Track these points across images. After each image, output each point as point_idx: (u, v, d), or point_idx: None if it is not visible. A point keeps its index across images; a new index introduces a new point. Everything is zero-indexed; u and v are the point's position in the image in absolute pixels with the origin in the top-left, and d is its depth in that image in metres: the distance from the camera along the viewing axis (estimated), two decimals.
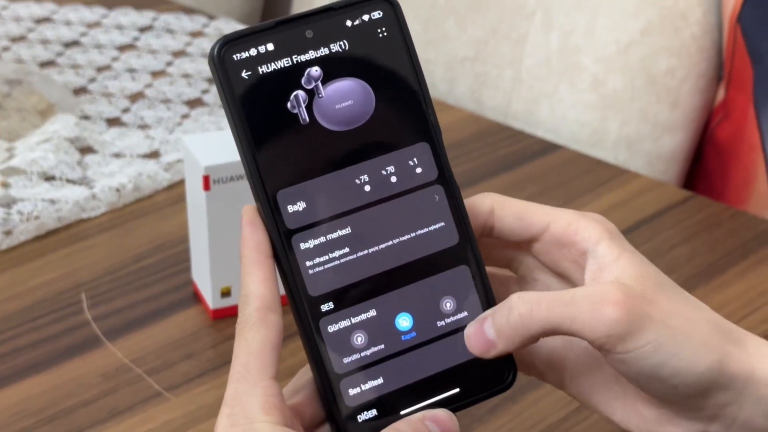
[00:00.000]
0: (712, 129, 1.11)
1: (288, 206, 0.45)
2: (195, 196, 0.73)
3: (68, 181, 0.89)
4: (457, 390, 0.47)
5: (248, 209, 0.46)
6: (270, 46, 0.45)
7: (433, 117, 0.48)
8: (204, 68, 1.11)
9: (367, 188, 0.46)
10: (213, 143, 0.73)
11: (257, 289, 0.45)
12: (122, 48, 1.15)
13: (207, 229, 0.72)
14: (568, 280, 0.49)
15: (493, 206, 0.49)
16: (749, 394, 0.45)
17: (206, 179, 0.71)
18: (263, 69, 0.45)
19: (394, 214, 0.47)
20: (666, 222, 0.87)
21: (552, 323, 0.45)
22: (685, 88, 1.08)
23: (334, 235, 0.46)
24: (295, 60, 0.46)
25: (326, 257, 0.46)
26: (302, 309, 0.46)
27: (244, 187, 0.72)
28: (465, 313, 0.47)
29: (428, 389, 0.47)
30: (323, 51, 0.46)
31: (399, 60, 0.47)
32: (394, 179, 0.47)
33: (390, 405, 0.46)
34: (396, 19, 0.47)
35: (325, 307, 0.46)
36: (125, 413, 0.66)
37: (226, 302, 0.74)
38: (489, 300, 0.48)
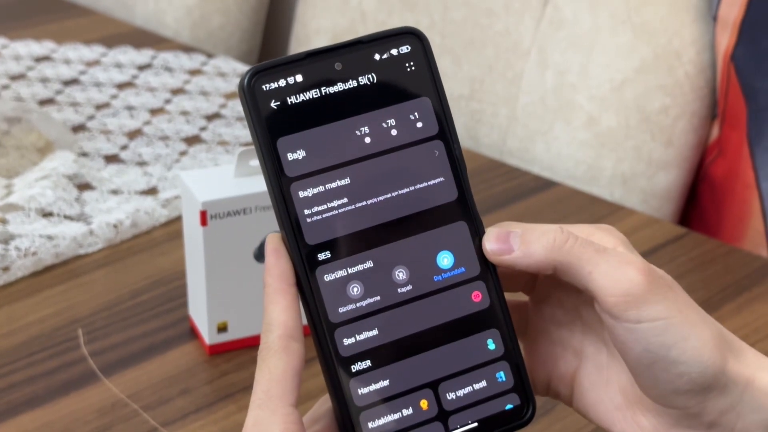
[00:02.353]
0: (706, 166, 1.11)
1: (288, 153, 0.46)
2: (192, 231, 0.74)
3: (66, 217, 0.89)
4: (475, 425, 0.47)
5: (273, 237, 0.46)
6: (299, 77, 0.46)
7: (458, 152, 0.48)
8: (202, 106, 1.12)
9: (368, 140, 0.47)
10: (210, 179, 0.74)
11: (280, 316, 0.45)
12: (121, 86, 1.16)
13: (204, 264, 0.72)
14: (582, 294, 0.49)
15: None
16: (747, 401, 0.46)
17: (203, 214, 0.71)
18: (292, 100, 0.46)
19: (394, 167, 0.47)
20: (661, 258, 0.87)
21: (578, 261, 0.45)
22: (679, 126, 1.09)
23: (333, 185, 0.46)
24: (323, 92, 0.46)
25: (324, 206, 0.46)
26: (321, 331, 0.46)
27: (242, 222, 0.72)
28: (462, 269, 0.47)
29: (446, 424, 0.47)
30: (351, 84, 0.47)
31: (426, 95, 0.48)
32: (394, 132, 0.47)
33: None
34: (424, 54, 0.48)
35: (322, 256, 0.46)
36: None
37: (223, 338, 0.74)
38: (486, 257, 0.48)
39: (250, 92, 0.45)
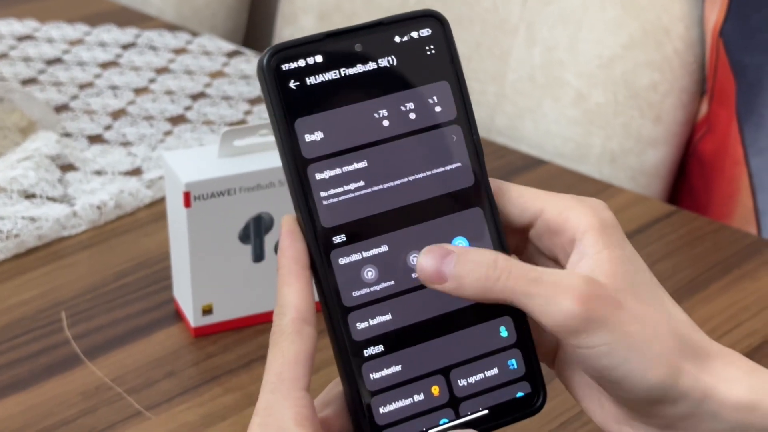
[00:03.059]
0: (695, 143, 1.11)
1: (305, 135, 0.45)
2: (176, 213, 0.73)
3: (49, 198, 0.88)
4: (486, 412, 0.47)
5: (288, 219, 0.46)
6: (318, 58, 0.45)
7: (477, 137, 0.47)
8: (187, 85, 1.10)
9: (386, 123, 0.46)
10: (194, 159, 0.73)
11: (294, 299, 0.45)
12: (105, 65, 1.15)
13: (188, 246, 0.72)
14: (561, 267, 0.49)
15: (495, 191, 0.48)
16: (707, 410, 0.45)
17: (187, 196, 0.71)
18: (311, 80, 0.45)
19: (411, 151, 0.46)
20: (650, 237, 0.87)
21: (510, 296, 0.44)
22: (668, 103, 1.09)
23: (350, 168, 0.45)
24: (342, 73, 0.46)
25: (341, 189, 0.45)
26: (335, 315, 0.45)
27: (226, 204, 0.71)
28: None
29: (456, 410, 0.46)
30: (371, 65, 0.46)
31: (445, 79, 0.47)
32: (412, 116, 0.46)
33: (419, 419, 0.46)
34: (444, 37, 0.47)
35: (337, 239, 0.45)
36: None
37: (208, 320, 0.74)
38: (502, 243, 0.47)
39: (269, 72, 0.45)
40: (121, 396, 0.68)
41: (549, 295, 0.44)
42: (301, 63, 0.45)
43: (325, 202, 0.45)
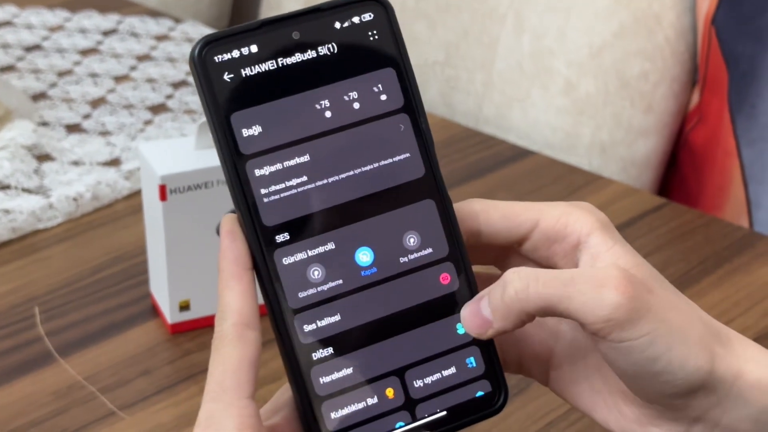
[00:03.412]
0: (686, 133, 1.09)
1: (242, 129, 0.43)
2: (152, 206, 0.71)
3: (24, 190, 0.86)
4: (444, 413, 0.45)
5: (228, 219, 0.44)
6: (254, 48, 0.43)
7: (425, 126, 0.45)
8: (169, 72, 1.08)
9: (328, 114, 0.44)
10: (170, 151, 0.71)
11: (235, 303, 0.43)
12: (85, 52, 1.12)
13: (164, 240, 0.69)
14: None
15: (478, 211, 0.47)
16: (734, 397, 0.44)
17: (162, 189, 0.68)
18: (246, 72, 0.43)
19: (356, 143, 0.44)
20: (639, 230, 0.85)
21: (548, 302, 0.43)
22: (659, 92, 1.07)
23: (291, 163, 0.43)
24: (280, 63, 0.43)
25: (282, 185, 0.43)
26: (280, 318, 0.43)
27: (203, 197, 0.69)
28: (430, 250, 0.45)
29: (412, 412, 0.44)
30: (310, 54, 0.44)
31: (390, 65, 0.45)
32: (356, 105, 0.44)
33: (374, 422, 0.44)
34: (388, 22, 0.45)
35: (280, 238, 0.43)
36: None
37: (185, 316, 0.72)
38: (456, 237, 0.45)
39: (201, 64, 0.43)
40: (95, 395, 0.66)
41: (588, 291, 0.42)
42: (236, 54, 0.43)
43: (265, 200, 0.43)
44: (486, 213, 0.47)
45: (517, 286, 0.43)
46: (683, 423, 0.45)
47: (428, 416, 0.45)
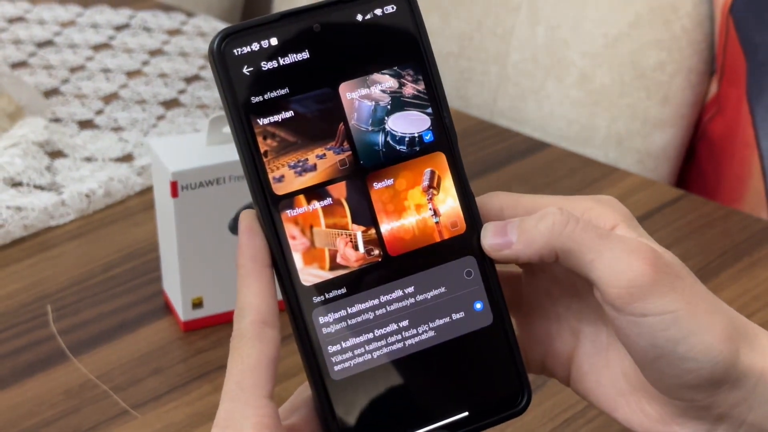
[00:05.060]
0: (704, 125, 1.07)
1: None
2: (163, 203, 0.70)
3: (36, 187, 0.86)
4: (466, 414, 0.44)
5: (246, 215, 0.43)
6: (274, 41, 0.42)
7: (448, 120, 0.45)
8: (181, 67, 1.08)
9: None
10: (181, 147, 0.70)
11: (253, 300, 0.42)
12: (97, 47, 1.12)
13: (176, 237, 0.69)
14: (588, 278, 0.46)
15: (502, 206, 0.46)
16: (759, 394, 0.43)
17: (174, 185, 0.68)
18: (266, 65, 0.42)
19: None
20: (657, 222, 0.84)
21: (579, 247, 0.42)
22: (676, 83, 1.05)
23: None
24: (300, 57, 0.43)
25: None
26: (298, 312, 0.43)
27: (215, 193, 0.69)
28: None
29: (434, 411, 0.44)
30: (331, 47, 0.43)
31: (413, 59, 0.44)
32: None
33: (394, 422, 0.43)
34: (411, 14, 0.44)
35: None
36: None
37: (198, 314, 0.71)
38: (466, 192, 0.45)
39: (220, 57, 0.42)
40: (107, 394, 0.66)
41: (619, 252, 0.42)
42: (255, 47, 0.42)
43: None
44: (509, 208, 0.46)
45: (557, 219, 0.43)
46: (708, 421, 0.44)
47: (450, 417, 0.44)
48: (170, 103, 1.01)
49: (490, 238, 0.44)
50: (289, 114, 0.43)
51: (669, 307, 0.41)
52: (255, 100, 0.42)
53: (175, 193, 0.68)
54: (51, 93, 1.02)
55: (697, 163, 1.09)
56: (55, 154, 0.91)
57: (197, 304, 0.71)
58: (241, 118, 0.42)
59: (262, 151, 0.42)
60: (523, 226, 0.43)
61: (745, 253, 0.79)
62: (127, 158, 0.91)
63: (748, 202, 1.02)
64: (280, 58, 0.42)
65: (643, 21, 1.05)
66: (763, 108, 1.00)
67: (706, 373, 0.42)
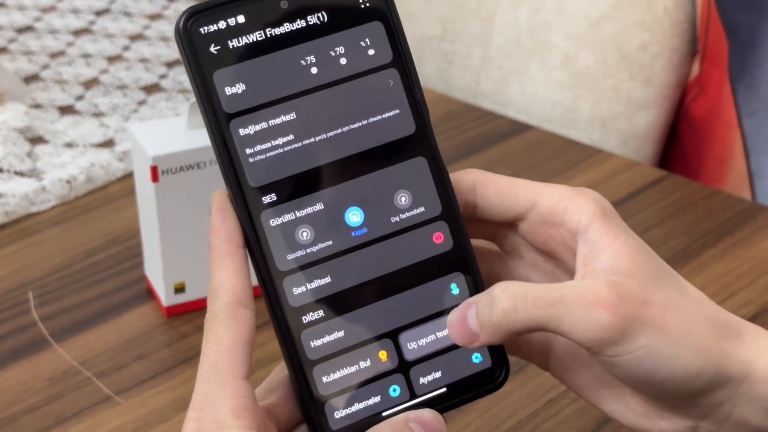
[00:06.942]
0: (686, 105, 1.07)
1: (225, 88, 0.42)
2: (144, 187, 0.70)
3: (16, 173, 0.85)
4: (444, 390, 0.44)
5: (218, 195, 0.43)
6: (241, 18, 0.42)
7: (420, 96, 0.44)
8: (162, 52, 1.07)
9: (314, 70, 0.43)
10: (162, 131, 0.70)
11: (227, 281, 0.42)
12: (77, 32, 1.11)
13: (157, 222, 0.68)
14: (558, 260, 0.46)
15: (476, 183, 0.45)
16: (745, 392, 0.43)
17: (154, 170, 0.67)
18: (234, 43, 0.42)
19: (344, 99, 0.43)
20: (640, 203, 0.84)
21: (537, 322, 0.42)
22: (659, 64, 1.05)
23: (277, 121, 0.42)
24: (269, 33, 0.42)
25: (268, 144, 0.42)
26: (269, 281, 0.42)
27: (196, 178, 0.68)
28: (422, 208, 0.44)
29: (411, 389, 0.44)
30: (300, 23, 0.42)
31: (378, 19, 0.43)
32: (343, 61, 0.43)
33: (371, 400, 0.43)
34: None
35: (267, 199, 0.42)
36: (72, 419, 0.63)
37: (180, 299, 0.71)
38: (449, 197, 0.44)
39: (186, 36, 0.42)
40: (90, 380, 0.66)
41: (577, 311, 0.41)
42: (222, 25, 0.42)
43: (251, 160, 0.42)
44: (483, 186, 0.45)
45: (505, 306, 0.42)
46: (692, 418, 0.44)
47: (428, 393, 0.44)
48: (151, 88, 1.00)
49: (456, 332, 0.43)
50: (254, 77, 0.42)
51: (639, 344, 0.41)
52: (218, 65, 0.42)
53: (155, 177, 0.67)
54: (31, 79, 1.01)
55: (680, 144, 1.09)
56: (36, 140, 0.90)
57: (179, 290, 0.70)
58: (206, 83, 0.42)
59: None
60: (479, 318, 0.42)
61: (728, 233, 0.80)
62: (108, 144, 0.90)
63: (730, 182, 1.02)
64: (247, 35, 0.42)
65: (626, 2, 1.05)
66: (744, 88, 1.00)
67: (688, 388, 0.42)
